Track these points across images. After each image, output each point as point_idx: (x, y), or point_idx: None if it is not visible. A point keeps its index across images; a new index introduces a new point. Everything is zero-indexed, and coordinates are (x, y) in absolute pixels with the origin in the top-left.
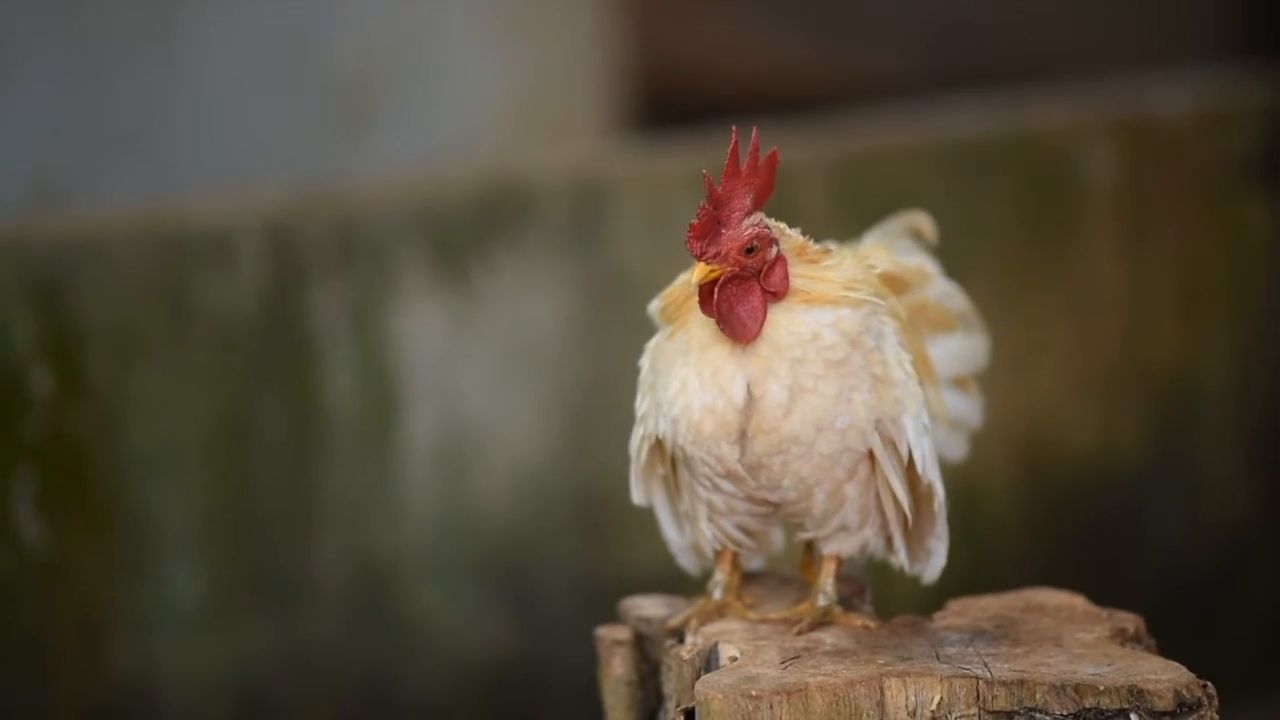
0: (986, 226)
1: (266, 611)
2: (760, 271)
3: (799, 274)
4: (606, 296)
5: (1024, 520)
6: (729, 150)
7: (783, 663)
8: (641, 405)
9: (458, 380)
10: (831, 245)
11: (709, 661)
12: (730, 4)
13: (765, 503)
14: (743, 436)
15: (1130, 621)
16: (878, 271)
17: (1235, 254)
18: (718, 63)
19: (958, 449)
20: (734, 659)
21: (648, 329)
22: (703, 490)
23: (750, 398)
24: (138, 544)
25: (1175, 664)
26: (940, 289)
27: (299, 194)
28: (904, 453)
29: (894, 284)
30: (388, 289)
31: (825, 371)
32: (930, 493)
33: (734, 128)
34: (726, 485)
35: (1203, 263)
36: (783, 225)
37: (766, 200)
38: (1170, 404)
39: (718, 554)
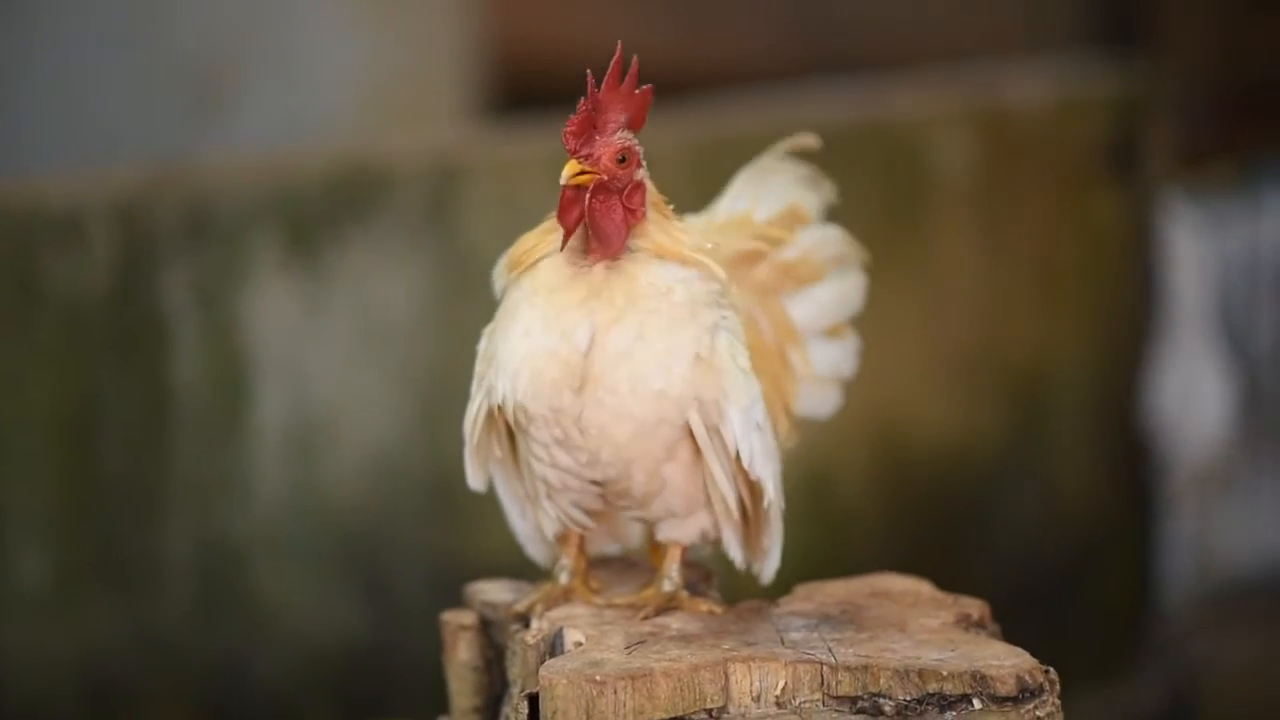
0: (842, 214)
1: (114, 595)
2: (624, 189)
3: (654, 221)
4: (459, 280)
5: (879, 508)
6: (613, 62)
7: (628, 648)
8: (476, 388)
9: (308, 363)
10: (692, 218)
11: (554, 646)
12: None
13: (595, 482)
14: (582, 387)
15: (975, 607)
16: (729, 251)
17: (1089, 243)
18: (577, 46)
19: (829, 402)
20: (579, 644)
21: None
22: (538, 464)
23: (592, 344)
24: None
25: (1018, 650)
26: (810, 239)
27: (150, 174)
28: (730, 445)
29: (750, 258)
30: (238, 270)
31: (667, 326)
32: (761, 490)
33: (619, 42)
34: (561, 457)
35: (1057, 252)
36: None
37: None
38: (1025, 393)
39: (563, 538)
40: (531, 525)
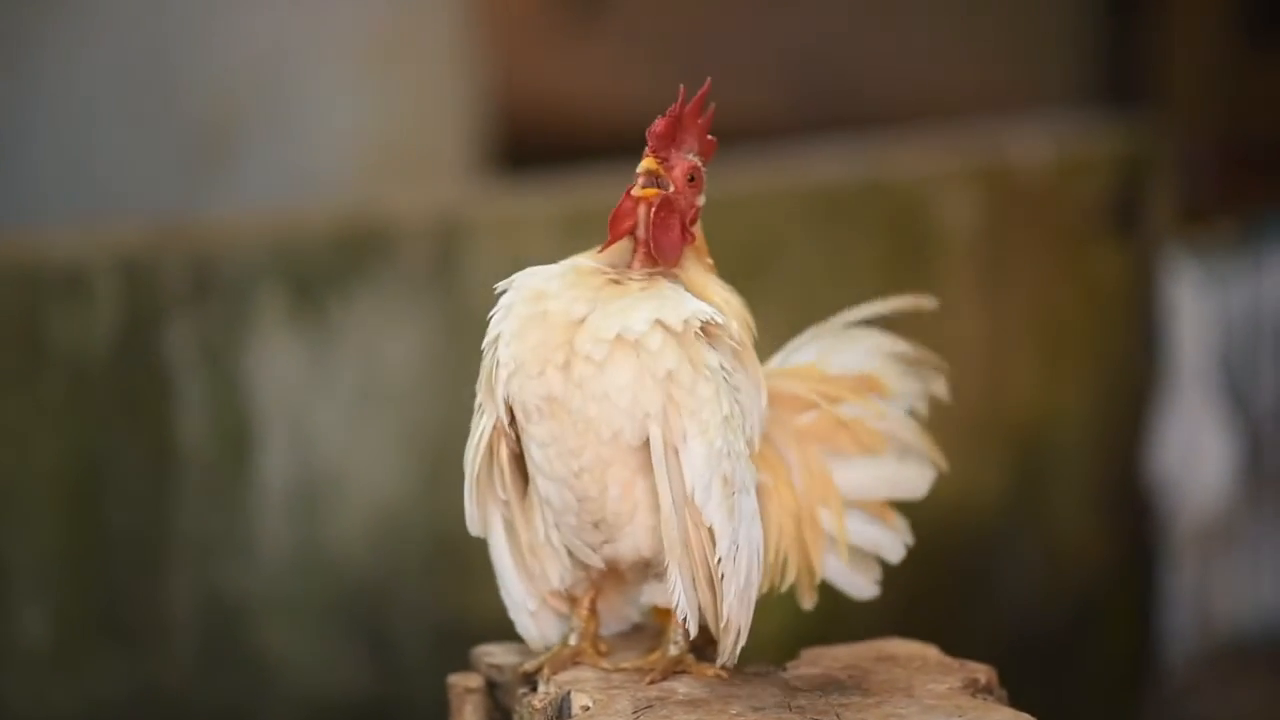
0: (845, 272)
1: (117, 651)
2: (687, 210)
3: (692, 261)
4: (464, 338)
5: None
6: (699, 91)
7: (635, 713)
8: (477, 417)
9: (313, 419)
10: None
11: (561, 710)
12: (595, 45)
13: (578, 501)
14: (567, 364)
15: (982, 672)
16: (778, 388)
17: (1091, 300)
18: (580, 102)
19: (865, 586)
20: (586, 708)
21: None
22: (542, 480)
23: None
24: None
25: (1025, 715)
26: (876, 408)
27: (155, 230)
28: (688, 478)
29: (800, 404)
30: (244, 327)
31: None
32: (711, 539)
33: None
34: (557, 464)
35: (1059, 309)
36: None
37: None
38: (1026, 449)
39: (574, 600)
40: (525, 588)
